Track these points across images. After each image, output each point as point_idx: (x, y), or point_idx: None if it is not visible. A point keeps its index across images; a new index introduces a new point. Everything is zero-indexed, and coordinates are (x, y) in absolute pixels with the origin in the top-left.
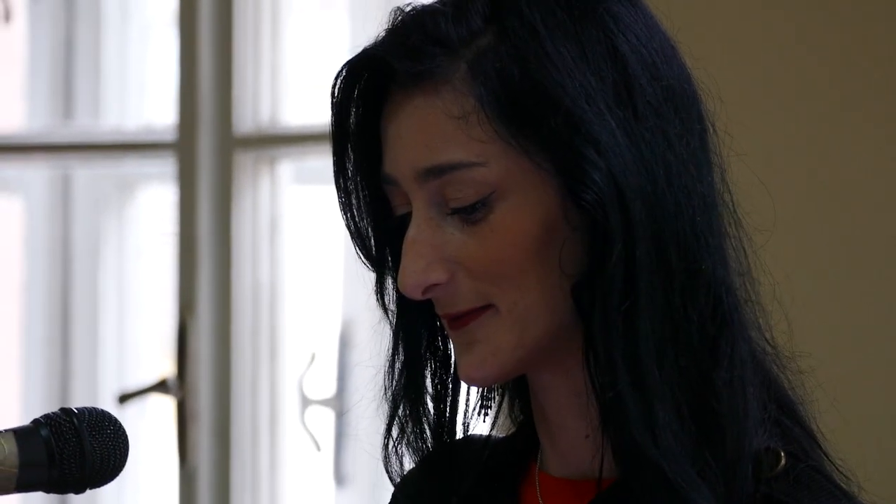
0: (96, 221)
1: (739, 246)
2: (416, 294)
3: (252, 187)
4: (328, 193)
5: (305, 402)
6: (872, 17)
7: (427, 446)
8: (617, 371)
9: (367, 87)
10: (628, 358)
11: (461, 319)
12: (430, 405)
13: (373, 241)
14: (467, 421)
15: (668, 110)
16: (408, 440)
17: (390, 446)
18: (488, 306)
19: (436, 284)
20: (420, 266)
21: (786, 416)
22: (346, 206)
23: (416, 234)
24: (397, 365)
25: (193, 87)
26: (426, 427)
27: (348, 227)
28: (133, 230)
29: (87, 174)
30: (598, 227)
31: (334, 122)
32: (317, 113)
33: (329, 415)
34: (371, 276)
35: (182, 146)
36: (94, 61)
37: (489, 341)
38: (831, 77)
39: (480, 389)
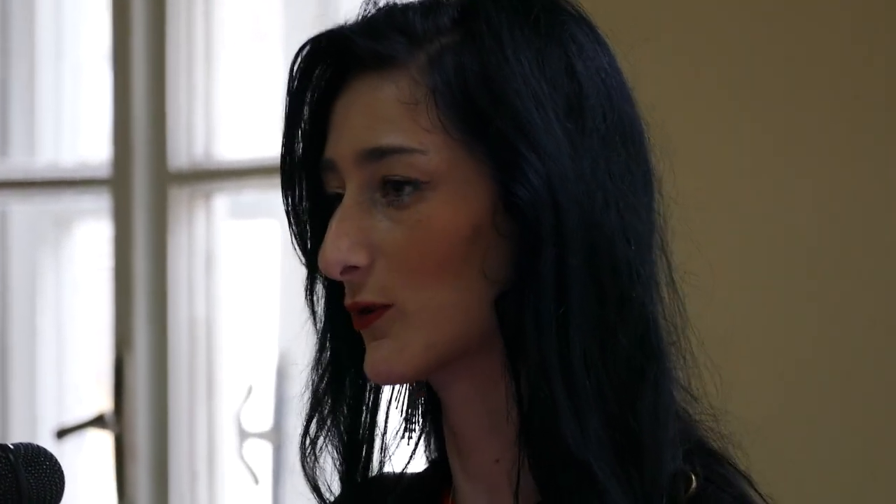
0: (33, 257)
1: (672, 295)
2: (334, 272)
3: (187, 222)
4: (263, 227)
5: (243, 435)
6: (818, 80)
7: (346, 447)
8: (550, 373)
9: (326, 75)
10: (561, 362)
11: (365, 318)
12: (352, 405)
13: (309, 233)
14: (387, 431)
15: (616, 141)
16: (326, 437)
17: (307, 443)
18: (390, 306)
19: (355, 267)
20: (343, 244)
21: (705, 453)
22: (288, 192)
23: (344, 214)
24: (322, 364)
25: (128, 123)
26: (345, 426)
27: (288, 214)
28: (69, 266)
29: (22, 210)
30: (528, 232)
31: (288, 103)
32: (251, 147)
33: (267, 448)
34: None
35: (117, 182)
36: (29, 98)
37: (398, 338)
38: (773, 136)
39: (403, 411)
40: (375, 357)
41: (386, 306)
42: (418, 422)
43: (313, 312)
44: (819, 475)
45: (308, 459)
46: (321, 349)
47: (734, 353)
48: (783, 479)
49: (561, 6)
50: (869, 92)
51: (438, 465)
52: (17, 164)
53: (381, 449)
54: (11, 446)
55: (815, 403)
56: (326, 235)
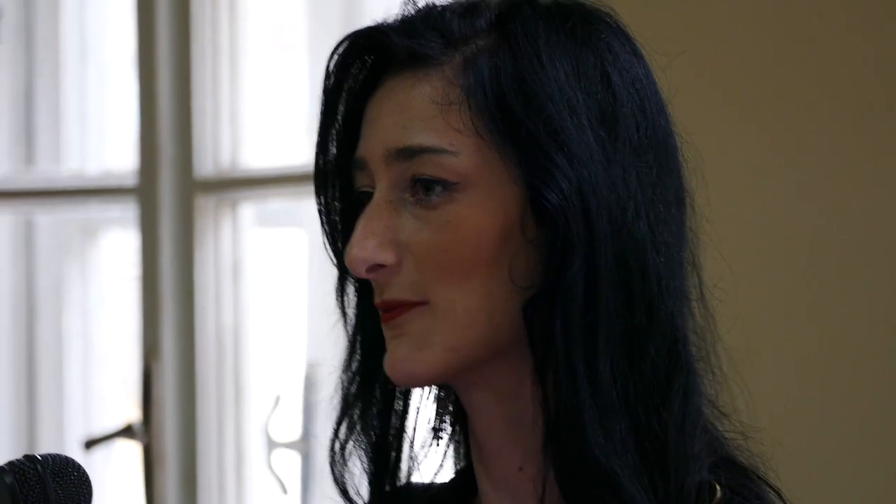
0: (59, 266)
1: (702, 310)
2: (360, 270)
3: (214, 230)
4: (290, 235)
5: (271, 444)
6: (854, 96)
7: (373, 452)
8: (577, 381)
9: (362, 73)
10: (589, 370)
11: (392, 312)
12: (383, 408)
13: (340, 233)
14: (416, 434)
15: (648, 153)
16: (356, 441)
17: (337, 447)
18: (422, 303)
19: (382, 266)
20: (371, 243)
21: (731, 465)
22: (321, 190)
23: (373, 213)
24: (352, 367)
25: (153, 132)
26: (376, 430)
27: (320, 212)
28: (96, 275)
29: (49, 220)
30: (557, 238)
31: (324, 100)
32: (277, 155)
33: (295, 457)
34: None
35: (143, 190)
36: (55, 107)
37: (420, 338)
38: (792, 146)
39: (432, 419)
40: (395, 356)
41: (418, 304)
42: (446, 430)
43: (344, 314)
44: (846, 490)
45: (337, 463)
46: (351, 352)
47: (760, 367)
48: (810, 494)
49: (598, 16)
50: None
51: (465, 473)
52: (43, 173)
53: (410, 455)
54: (39, 457)
55: (842, 418)
56: (353, 234)
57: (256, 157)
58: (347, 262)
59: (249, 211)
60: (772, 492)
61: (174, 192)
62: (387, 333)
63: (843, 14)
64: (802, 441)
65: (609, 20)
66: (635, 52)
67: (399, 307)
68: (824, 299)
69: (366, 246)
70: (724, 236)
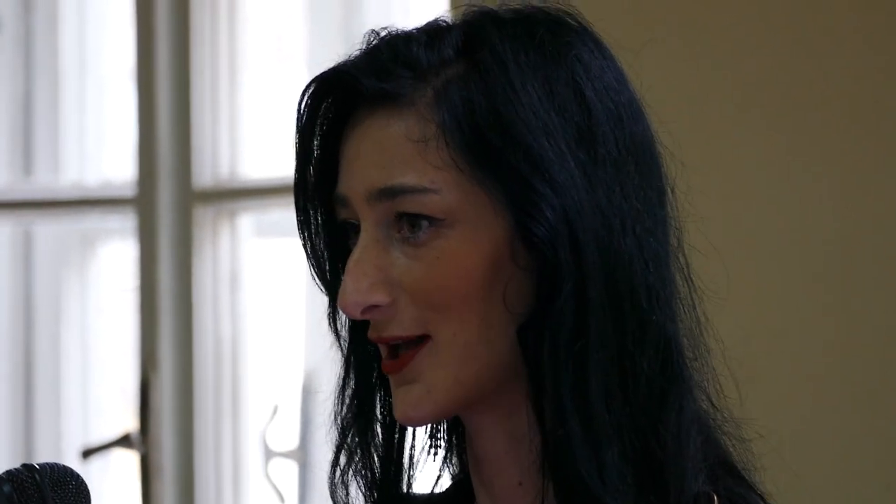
0: (57, 277)
1: (690, 307)
2: (354, 313)
3: (212, 241)
4: (288, 246)
5: (269, 454)
6: (832, 82)
7: (374, 476)
8: (566, 409)
9: (334, 108)
10: (578, 397)
11: (398, 361)
12: (380, 434)
13: (327, 263)
14: (414, 457)
15: (629, 163)
16: (355, 468)
17: (337, 474)
18: (425, 337)
19: (376, 306)
20: (363, 286)
21: (727, 472)
22: (304, 225)
23: (362, 254)
24: (347, 392)
25: (152, 142)
26: (374, 456)
27: (305, 246)
28: (94, 285)
29: (47, 230)
30: (547, 266)
31: (298, 139)
32: (276, 165)
33: (293, 467)
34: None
35: (142, 201)
36: (53, 118)
37: (425, 380)
38: (790, 144)
39: (428, 429)
40: (405, 402)
41: (421, 338)
42: (443, 438)
43: (338, 337)
44: (837, 486)
45: (339, 490)
46: (346, 377)
47: (750, 361)
48: (800, 490)
49: (564, 21)
50: (886, 94)
51: (461, 484)
52: (42, 183)
53: (409, 469)
54: (38, 466)
55: (831, 411)
56: (345, 277)
57: (255, 167)
58: (341, 307)
59: (248, 221)
60: (757, 496)
61: (173, 202)
62: (393, 381)
63: None
64: (793, 432)
65: (574, 23)
66: (604, 55)
67: (401, 352)
68: (816, 290)
69: (358, 289)
70: (709, 227)
